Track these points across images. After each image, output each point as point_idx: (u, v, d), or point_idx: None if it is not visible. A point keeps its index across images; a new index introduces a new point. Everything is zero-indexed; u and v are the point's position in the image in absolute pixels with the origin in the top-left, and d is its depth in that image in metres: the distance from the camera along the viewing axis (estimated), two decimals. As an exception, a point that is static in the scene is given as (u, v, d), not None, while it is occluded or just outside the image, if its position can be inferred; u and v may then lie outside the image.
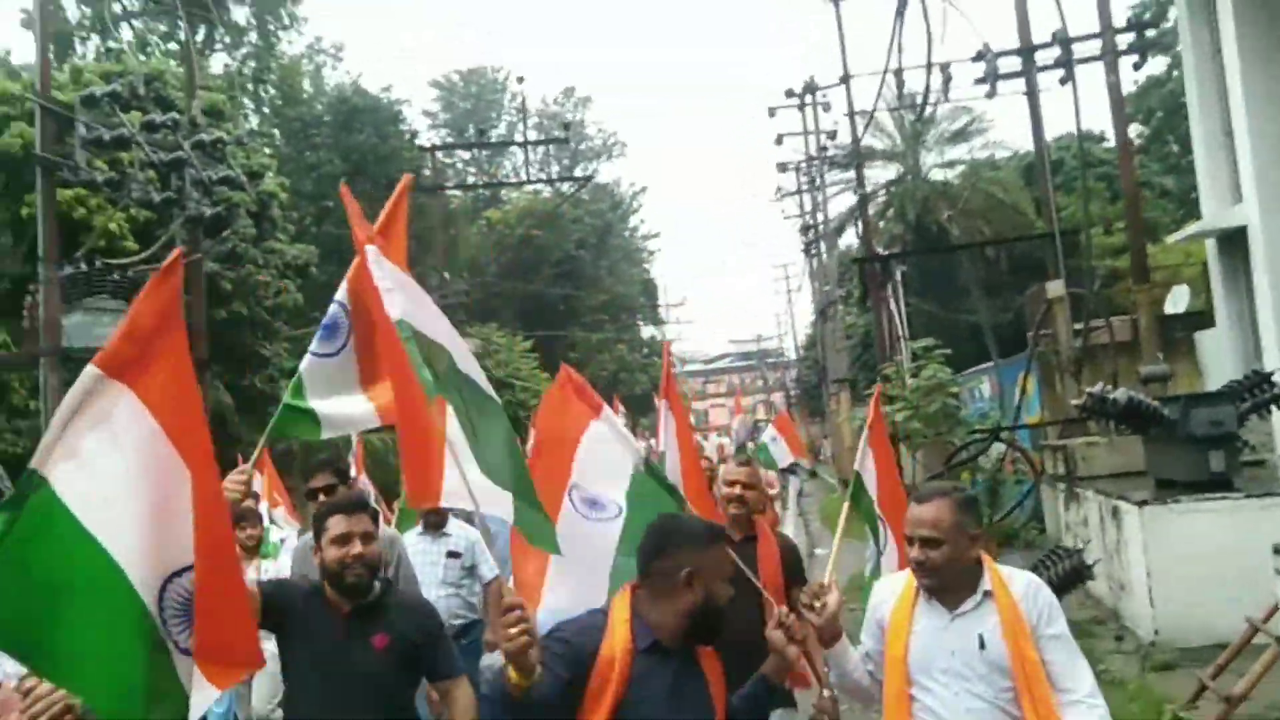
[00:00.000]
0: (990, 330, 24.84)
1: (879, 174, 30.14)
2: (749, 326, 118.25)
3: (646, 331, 51.72)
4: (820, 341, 29.93)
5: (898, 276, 21.37)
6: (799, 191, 25.14)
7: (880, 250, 28.32)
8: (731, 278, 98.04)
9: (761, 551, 4.07)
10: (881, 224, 30.34)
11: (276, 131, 29.26)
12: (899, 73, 14.45)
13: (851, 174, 29.64)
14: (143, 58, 17.40)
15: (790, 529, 19.80)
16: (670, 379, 4.77)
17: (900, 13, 10.84)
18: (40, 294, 11.12)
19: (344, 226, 26.15)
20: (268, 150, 28.64)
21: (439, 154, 38.69)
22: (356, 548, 3.23)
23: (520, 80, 39.69)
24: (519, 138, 46.26)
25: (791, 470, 21.89)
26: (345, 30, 64.66)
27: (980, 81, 14.34)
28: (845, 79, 17.44)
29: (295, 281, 16.92)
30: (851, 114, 16.35)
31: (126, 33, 26.32)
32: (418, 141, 27.63)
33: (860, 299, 18.49)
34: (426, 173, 29.38)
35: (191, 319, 13.32)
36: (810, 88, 21.91)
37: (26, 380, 12.35)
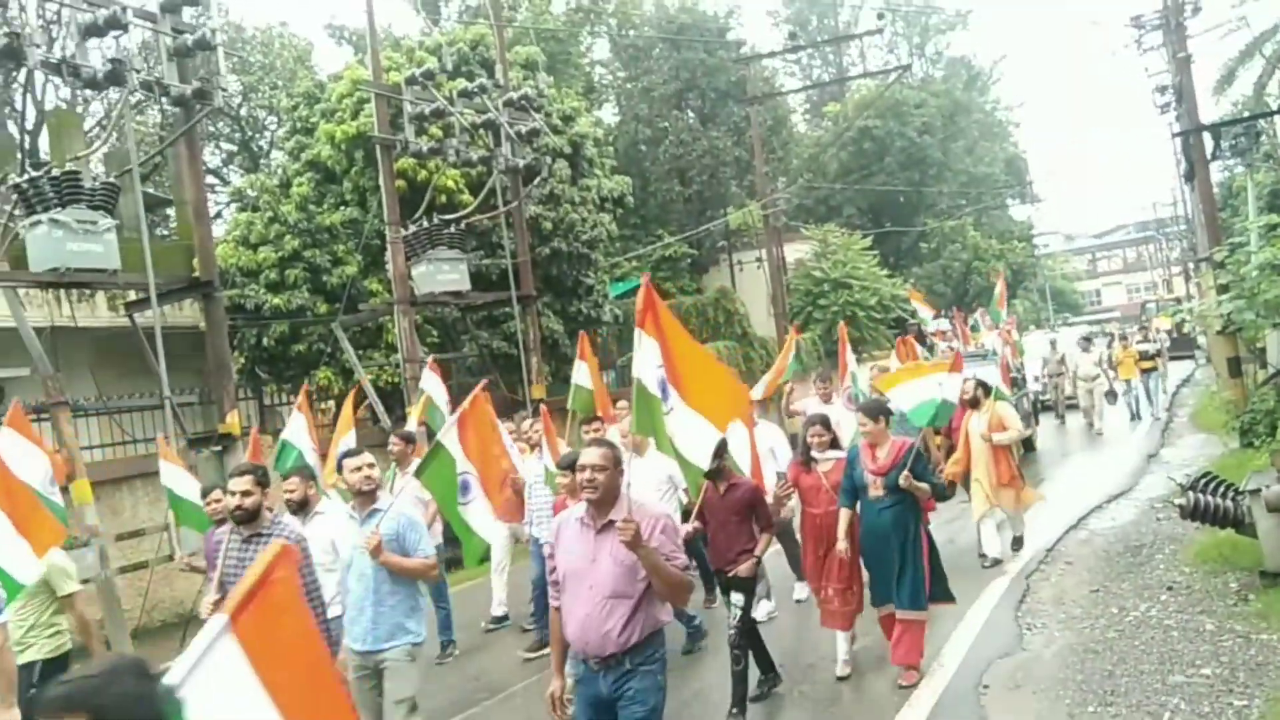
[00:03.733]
0: None
1: (1277, 6, 25.45)
2: (1145, 194, 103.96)
3: (1020, 212, 48.27)
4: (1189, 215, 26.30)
5: None
6: (1164, 44, 21.96)
7: (1274, 104, 24.13)
8: (1120, 142, 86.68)
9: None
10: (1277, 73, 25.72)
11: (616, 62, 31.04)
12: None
13: (1240, 11, 25.47)
14: (468, 23, 19.49)
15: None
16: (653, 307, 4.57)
17: None
18: (389, 252, 13.38)
19: (680, 147, 27.36)
20: (604, 83, 30.56)
21: (778, 57, 38.69)
22: None
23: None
24: (861, 24, 44.79)
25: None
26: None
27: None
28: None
29: (612, 213, 18.34)
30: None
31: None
32: (743, 51, 27.75)
33: (1186, 176, 16.00)
34: (762, 80, 29.78)
35: (518, 257, 15.18)
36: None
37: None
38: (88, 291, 14.13)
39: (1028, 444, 15.22)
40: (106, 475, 11.34)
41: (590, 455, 3.98)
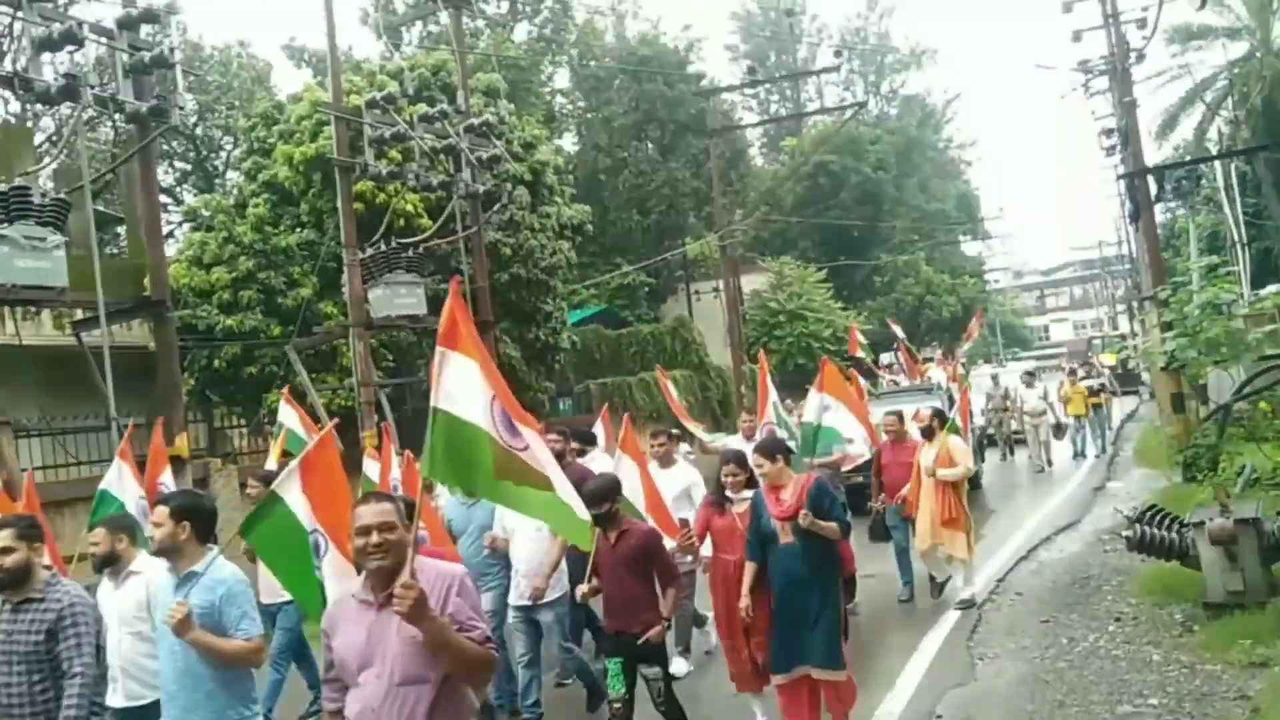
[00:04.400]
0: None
1: (1216, 56, 26.50)
2: (1091, 232, 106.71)
3: (971, 248, 49.23)
4: (1133, 254, 27.13)
5: (1220, 180, 18.91)
6: (1110, 89, 22.70)
7: (1214, 149, 25.04)
8: (1067, 181, 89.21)
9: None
10: (1220, 114, 26.71)
11: (577, 91, 31.25)
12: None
13: (1181, 60, 26.40)
14: (430, 48, 19.57)
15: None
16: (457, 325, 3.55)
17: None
18: (346, 274, 13.26)
19: (640, 177, 27.52)
20: (564, 112, 30.76)
21: (737, 91, 39.22)
22: None
23: (789, 14, 38.55)
24: (819, 60, 45.62)
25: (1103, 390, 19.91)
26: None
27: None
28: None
29: (571, 241, 18.40)
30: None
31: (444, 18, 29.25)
32: (703, 84, 28.11)
33: (1130, 215, 16.52)
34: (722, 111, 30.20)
35: (477, 283, 15.12)
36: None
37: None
38: (33, 309, 13.82)
39: (973, 480, 15.20)
40: (49, 497, 10.96)
41: (374, 512, 3.19)
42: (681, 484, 7.39)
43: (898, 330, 21.40)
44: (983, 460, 16.98)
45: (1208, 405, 14.06)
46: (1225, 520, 7.10)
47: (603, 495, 5.28)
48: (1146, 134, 26.73)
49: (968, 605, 8.53)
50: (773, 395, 9.48)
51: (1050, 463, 17.71)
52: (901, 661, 7.27)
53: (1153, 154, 29.74)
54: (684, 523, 6.18)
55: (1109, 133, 20.42)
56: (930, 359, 26.29)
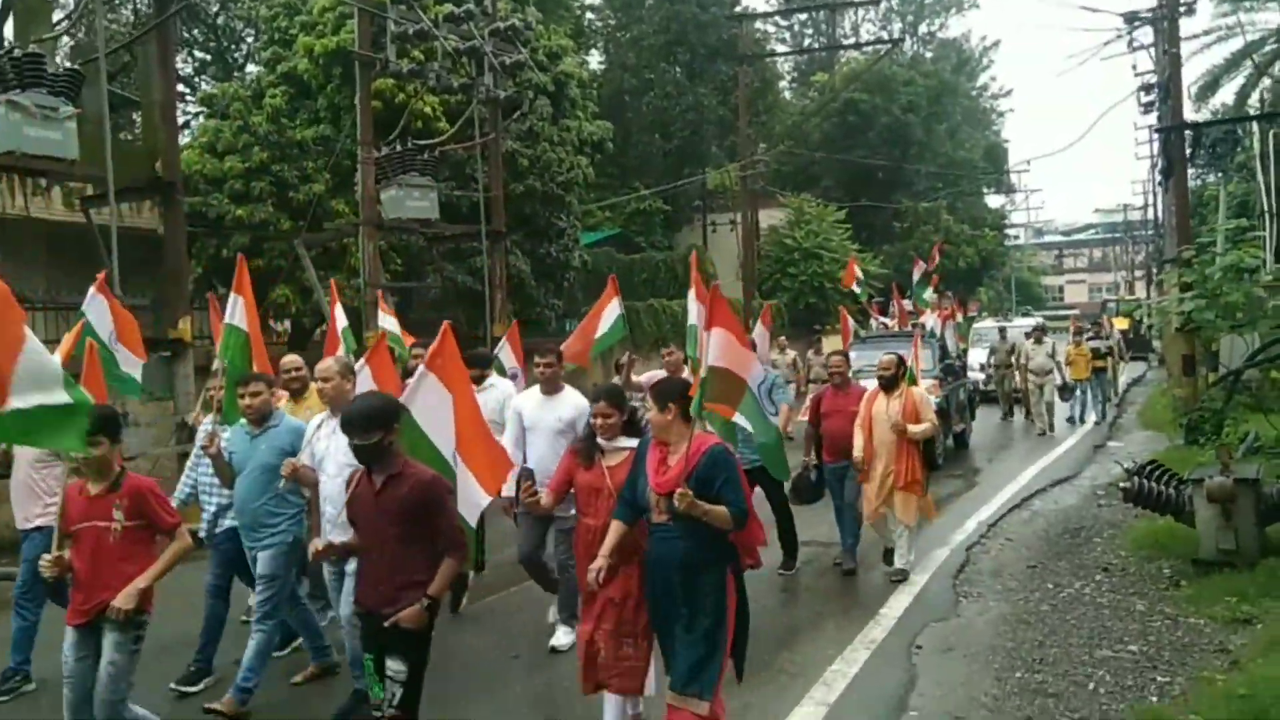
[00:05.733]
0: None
1: (1268, 17, 25.74)
2: (1115, 194, 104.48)
3: (994, 201, 48.59)
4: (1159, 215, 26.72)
5: (1257, 146, 18.43)
6: (1152, 44, 22.06)
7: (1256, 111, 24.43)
8: (1096, 140, 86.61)
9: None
10: (1266, 77, 26.02)
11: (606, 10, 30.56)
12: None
13: (1230, 20, 25.65)
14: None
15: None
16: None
17: None
18: (359, 173, 13.10)
19: (665, 100, 26.94)
20: (593, 28, 30.10)
21: (771, 20, 38.32)
22: None
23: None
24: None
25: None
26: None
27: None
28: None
29: (590, 158, 18.12)
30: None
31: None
32: (737, 9, 27.50)
33: (1161, 175, 16.14)
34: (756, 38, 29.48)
35: (491, 192, 14.93)
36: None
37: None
38: (42, 183, 13.70)
39: (959, 439, 14.52)
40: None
41: None
42: (566, 414, 6.14)
43: (917, 271, 20.76)
44: (973, 418, 15.89)
45: (1218, 370, 13.93)
46: (1225, 479, 7.05)
47: (369, 420, 3.91)
48: (1186, 95, 26.20)
49: (900, 578, 7.55)
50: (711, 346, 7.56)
51: (1052, 426, 16.63)
52: (887, 593, 7.30)
53: (1191, 116, 29.11)
54: (528, 473, 5.03)
55: (1148, 89, 19.88)
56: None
